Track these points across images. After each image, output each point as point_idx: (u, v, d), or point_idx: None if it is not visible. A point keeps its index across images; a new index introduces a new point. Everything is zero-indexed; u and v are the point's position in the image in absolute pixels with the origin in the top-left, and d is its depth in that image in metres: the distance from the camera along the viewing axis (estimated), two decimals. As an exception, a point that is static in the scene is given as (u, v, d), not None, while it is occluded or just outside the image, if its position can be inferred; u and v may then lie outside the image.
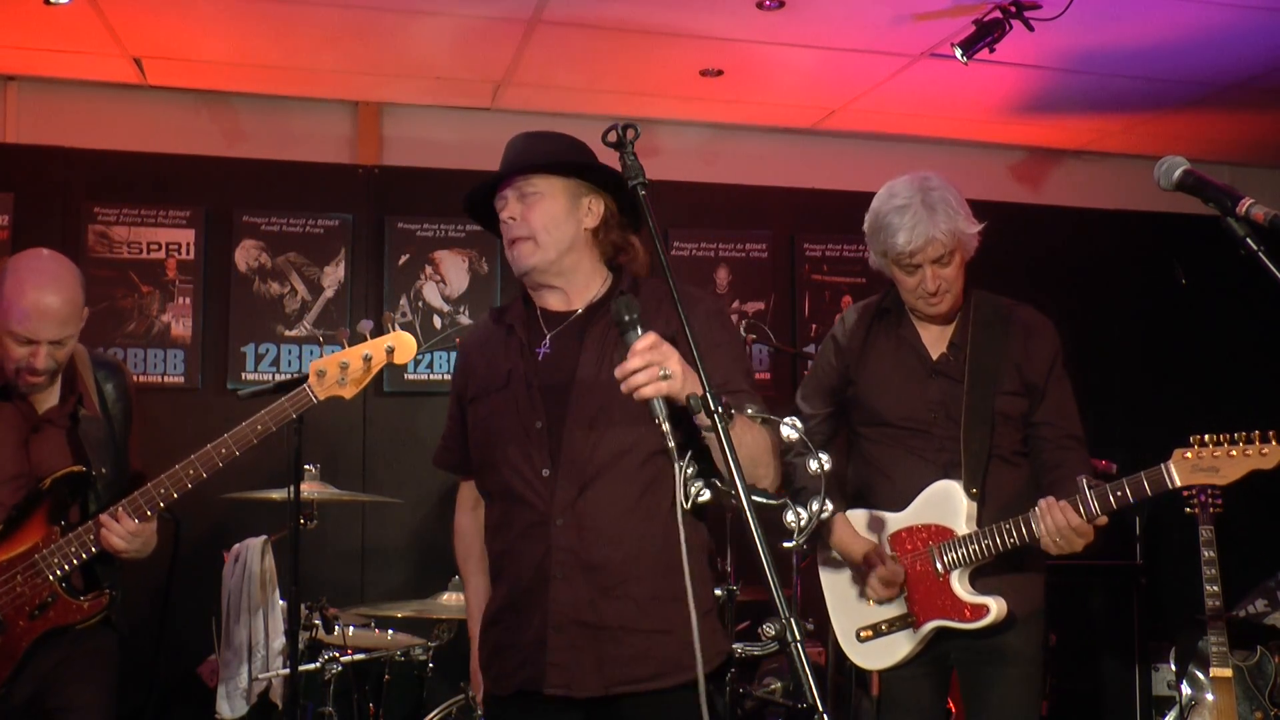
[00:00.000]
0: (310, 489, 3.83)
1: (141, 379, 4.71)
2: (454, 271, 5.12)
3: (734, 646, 3.85)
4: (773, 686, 4.24)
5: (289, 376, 3.80)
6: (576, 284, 2.39)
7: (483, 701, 2.46)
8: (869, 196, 2.93)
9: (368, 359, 2.70)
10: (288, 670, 3.37)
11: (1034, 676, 2.86)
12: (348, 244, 5.07)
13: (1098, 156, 5.94)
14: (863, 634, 2.88)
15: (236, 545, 4.06)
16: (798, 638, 1.65)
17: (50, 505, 2.69)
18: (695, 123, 5.55)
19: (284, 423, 2.75)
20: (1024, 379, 2.86)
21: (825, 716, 1.61)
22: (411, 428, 4.89)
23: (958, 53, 4.29)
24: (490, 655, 2.39)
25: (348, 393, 2.72)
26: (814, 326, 5.51)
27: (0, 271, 2.70)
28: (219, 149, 5.04)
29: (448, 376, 4.89)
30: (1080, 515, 2.62)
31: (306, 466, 3.72)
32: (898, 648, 2.85)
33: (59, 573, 2.65)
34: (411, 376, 5.01)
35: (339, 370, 2.71)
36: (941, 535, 2.80)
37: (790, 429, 1.86)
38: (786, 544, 4.18)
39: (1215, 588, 4.03)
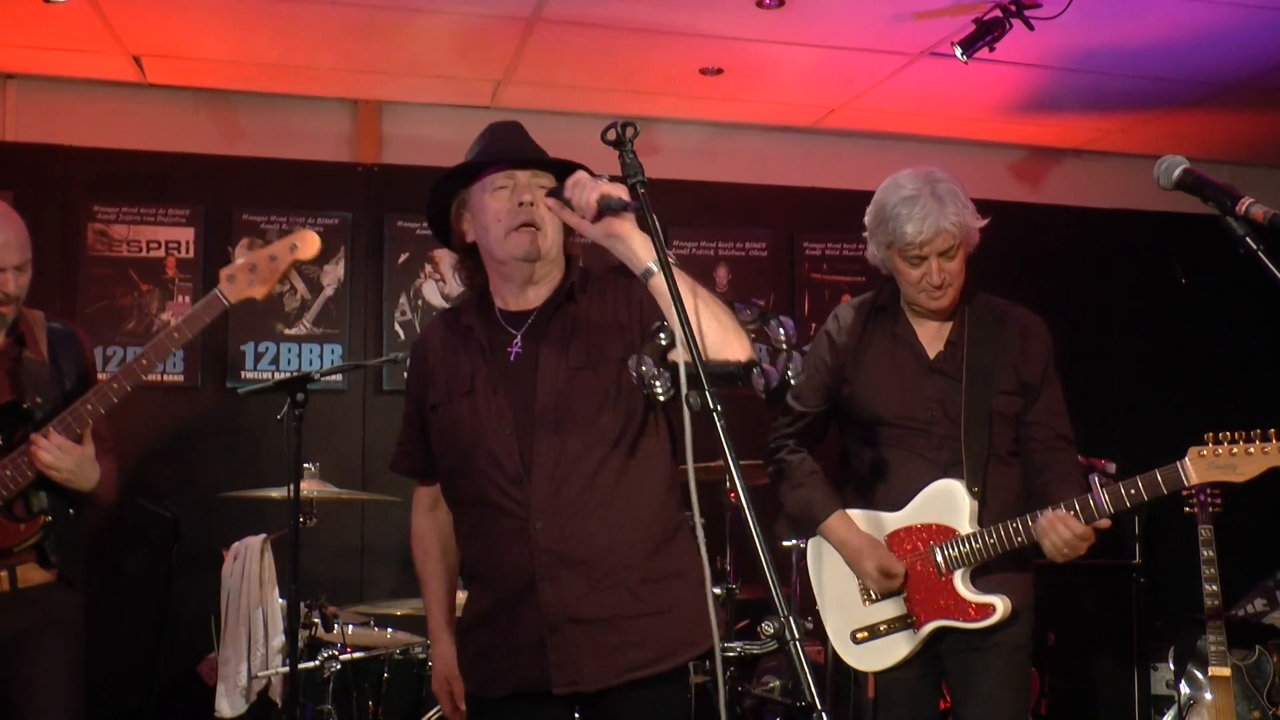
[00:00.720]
0: (309, 487, 3.84)
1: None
2: (453, 270, 5.12)
3: (734, 645, 3.87)
4: (771, 685, 4.24)
5: (289, 375, 3.80)
6: (555, 275, 2.38)
7: (465, 705, 2.44)
8: (869, 195, 2.91)
9: (274, 258, 2.82)
10: (287, 668, 3.37)
11: (1024, 666, 2.85)
12: (347, 242, 5.07)
13: (1098, 156, 5.93)
14: (858, 635, 2.86)
15: (236, 544, 4.06)
16: (796, 636, 1.64)
17: None
18: (695, 121, 5.55)
19: (200, 329, 2.84)
20: (1020, 379, 2.85)
21: (824, 715, 1.61)
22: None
23: (958, 51, 4.29)
24: (475, 658, 2.37)
25: (259, 293, 2.81)
26: (813, 325, 5.46)
27: None
28: (218, 147, 5.04)
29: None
30: (1082, 522, 2.63)
31: (305, 465, 3.72)
32: (896, 649, 2.82)
33: None
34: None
35: (249, 273, 2.81)
36: (943, 534, 2.78)
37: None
38: (786, 542, 4.17)
39: (1214, 587, 4.02)
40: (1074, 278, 5.61)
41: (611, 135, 1.94)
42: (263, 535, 4.04)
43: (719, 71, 4.87)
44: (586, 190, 2.02)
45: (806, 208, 5.54)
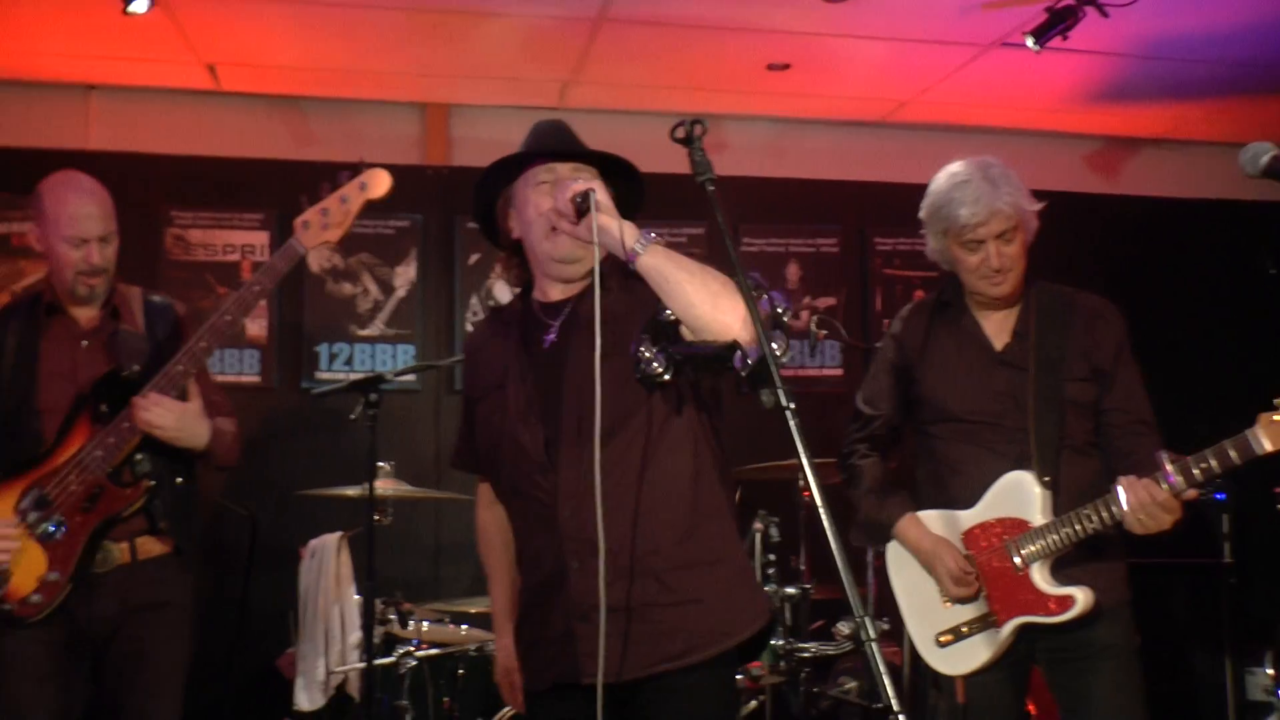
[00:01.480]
0: (384, 486, 3.87)
1: (218, 378, 4.79)
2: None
3: (808, 645, 3.83)
4: (848, 686, 4.19)
5: (363, 375, 3.84)
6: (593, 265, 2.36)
7: (523, 698, 2.44)
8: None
9: (345, 199, 2.80)
10: (363, 664, 3.41)
11: (1133, 669, 2.73)
12: (418, 244, 5.12)
13: (1177, 144, 5.79)
14: (942, 638, 2.78)
15: (313, 541, 4.12)
16: (872, 637, 1.61)
17: (92, 408, 2.86)
18: (763, 117, 5.52)
19: (278, 279, 2.86)
20: (1092, 364, 2.77)
21: (902, 717, 1.58)
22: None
23: (1029, 41, 4.22)
24: (524, 651, 2.38)
25: (333, 235, 2.81)
26: (886, 322, 5.41)
27: (37, 198, 2.96)
28: (290, 152, 5.12)
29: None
30: (1163, 489, 2.50)
31: (380, 464, 3.76)
32: (980, 650, 2.75)
33: (105, 466, 2.80)
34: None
35: (321, 217, 2.81)
36: (1016, 528, 2.71)
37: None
38: (857, 543, 4.13)
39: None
40: (1153, 270, 5.48)
41: (680, 133, 1.94)
42: (339, 533, 4.09)
43: (786, 67, 4.84)
44: (563, 197, 2.10)
45: (877, 203, 5.47)
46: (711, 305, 1.97)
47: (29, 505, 2.80)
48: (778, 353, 1.80)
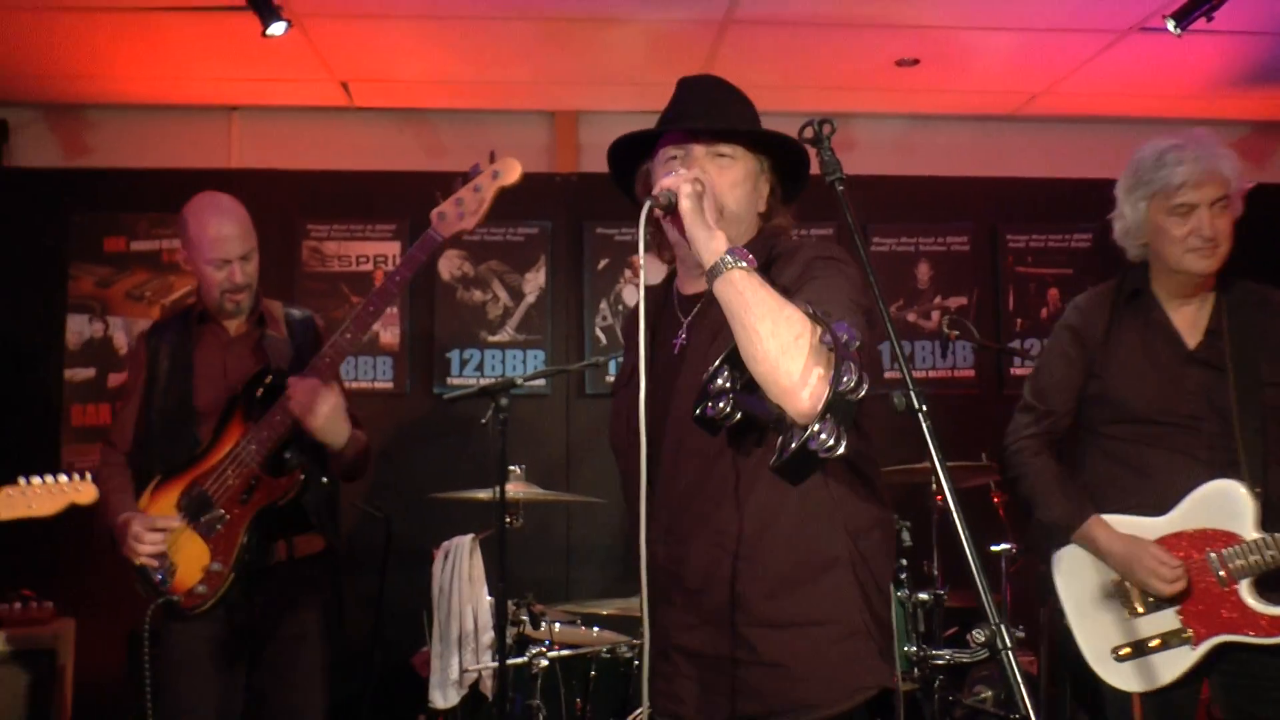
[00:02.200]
0: (515, 489, 3.92)
1: (352, 385, 4.94)
2: (654, 273, 5.14)
3: (943, 653, 3.74)
4: (983, 695, 4.09)
5: (493, 380, 3.90)
6: None
7: None
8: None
9: (478, 189, 2.86)
10: (496, 663, 3.46)
11: None
12: (547, 250, 5.19)
13: (1332, 129, 5.51)
14: (1121, 652, 2.60)
15: (446, 542, 4.19)
16: (1008, 645, 1.56)
17: (244, 406, 3.01)
18: (892, 115, 5.44)
19: (416, 268, 2.93)
20: None
21: (1040, 727, 1.53)
22: (612, 428, 4.96)
23: (1170, 24, 4.05)
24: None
25: (469, 224, 2.86)
26: (1019, 320, 5.31)
27: (181, 222, 3.11)
28: (421, 164, 5.24)
29: (645, 378, 4.93)
30: None
31: (511, 467, 3.81)
32: (1166, 667, 2.56)
33: (259, 457, 2.94)
34: (612, 378, 5.07)
35: (456, 207, 2.88)
36: (1224, 540, 2.53)
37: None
38: (994, 547, 4.02)
39: None
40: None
41: (809, 133, 1.89)
42: (471, 535, 4.16)
43: (915, 62, 4.75)
44: (658, 187, 1.93)
45: (1009, 198, 5.34)
46: (773, 365, 1.72)
47: (190, 501, 2.95)
48: (850, 386, 1.62)
